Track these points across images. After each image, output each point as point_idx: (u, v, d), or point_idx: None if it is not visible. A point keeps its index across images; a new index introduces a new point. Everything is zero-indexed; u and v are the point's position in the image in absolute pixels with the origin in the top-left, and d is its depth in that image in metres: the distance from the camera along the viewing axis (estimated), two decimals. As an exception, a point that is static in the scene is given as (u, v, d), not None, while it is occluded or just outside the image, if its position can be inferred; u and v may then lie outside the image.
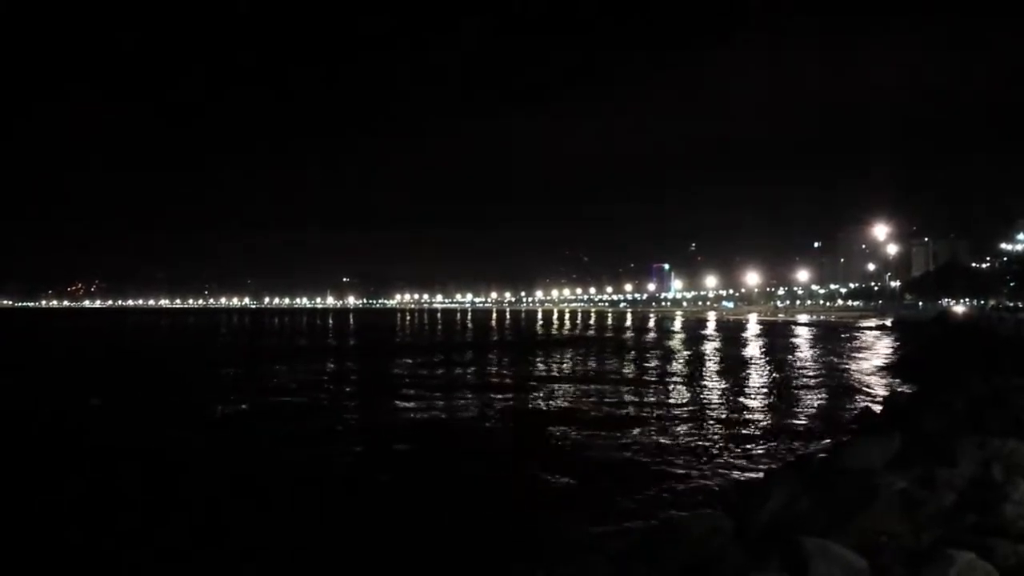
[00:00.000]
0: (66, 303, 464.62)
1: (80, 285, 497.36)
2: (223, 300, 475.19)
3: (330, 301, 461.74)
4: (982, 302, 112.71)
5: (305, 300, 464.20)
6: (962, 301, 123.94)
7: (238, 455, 20.95)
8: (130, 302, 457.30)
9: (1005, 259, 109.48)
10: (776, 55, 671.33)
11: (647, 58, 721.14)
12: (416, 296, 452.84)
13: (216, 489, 17.01)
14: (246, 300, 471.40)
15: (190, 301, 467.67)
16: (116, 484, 17.38)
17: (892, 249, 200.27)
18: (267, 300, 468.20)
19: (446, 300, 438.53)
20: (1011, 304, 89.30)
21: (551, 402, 31.69)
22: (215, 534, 13.88)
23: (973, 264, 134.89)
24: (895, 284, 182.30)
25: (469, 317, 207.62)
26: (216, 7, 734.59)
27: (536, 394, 34.08)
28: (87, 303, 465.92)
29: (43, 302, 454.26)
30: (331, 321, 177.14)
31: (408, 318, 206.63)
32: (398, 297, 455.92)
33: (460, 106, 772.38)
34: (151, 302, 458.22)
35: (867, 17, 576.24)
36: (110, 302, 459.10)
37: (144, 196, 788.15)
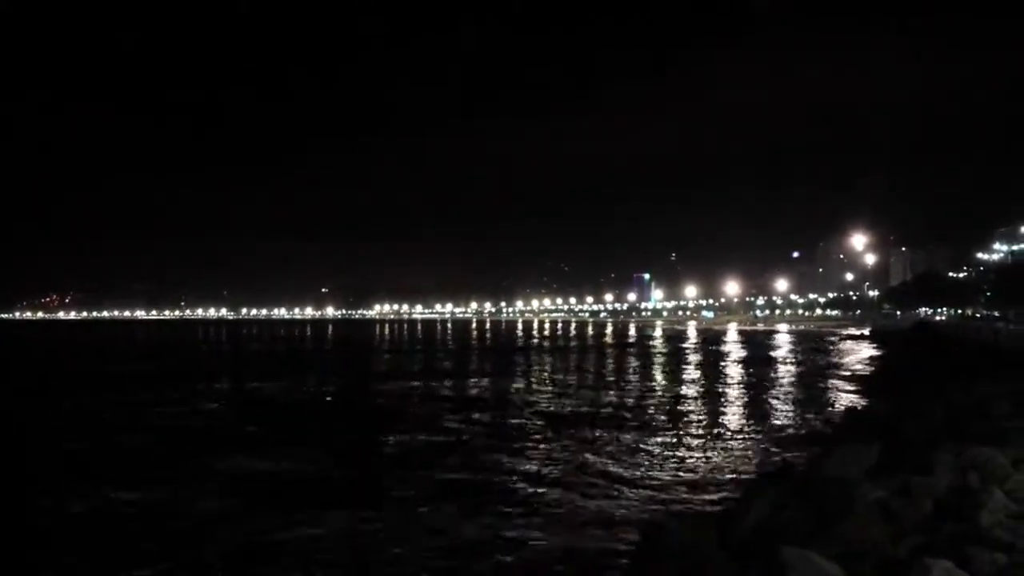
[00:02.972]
0: (41, 315, 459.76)
1: (55, 296, 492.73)
2: (200, 311, 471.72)
3: (309, 312, 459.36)
4: (959, 311, 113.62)
5: (283, 311, 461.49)
6: (939, 310, 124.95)
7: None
8: (105, 314, 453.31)
9: (982, 268, 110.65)
10: (757, 68, 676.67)
11: (624, 70, 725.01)
12: (396, 307, 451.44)
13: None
14: (223, 311, 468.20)
15: (167, 312, 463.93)
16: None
17: (870, 259, 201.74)
18: (244, 311, 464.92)
19: (426, 311, 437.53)
20: (988, 313, 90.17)
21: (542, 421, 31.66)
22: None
23: (950, 273, 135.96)
24: (873, 293, 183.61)
25: (449, 328, 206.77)
26: (207, 17, 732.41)
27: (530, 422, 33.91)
28: (62, 315, 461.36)
29: (17, 313, 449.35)
30: (302, 332, 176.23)
31: (387, 330, 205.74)
32: (377, 308, 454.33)
33: (439, 120, 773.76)
34: (127, 313, 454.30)
35: (850, 30, 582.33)
36: (85, 314, 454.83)
37: (121, 207, 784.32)
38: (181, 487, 18.26)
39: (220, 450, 22.94)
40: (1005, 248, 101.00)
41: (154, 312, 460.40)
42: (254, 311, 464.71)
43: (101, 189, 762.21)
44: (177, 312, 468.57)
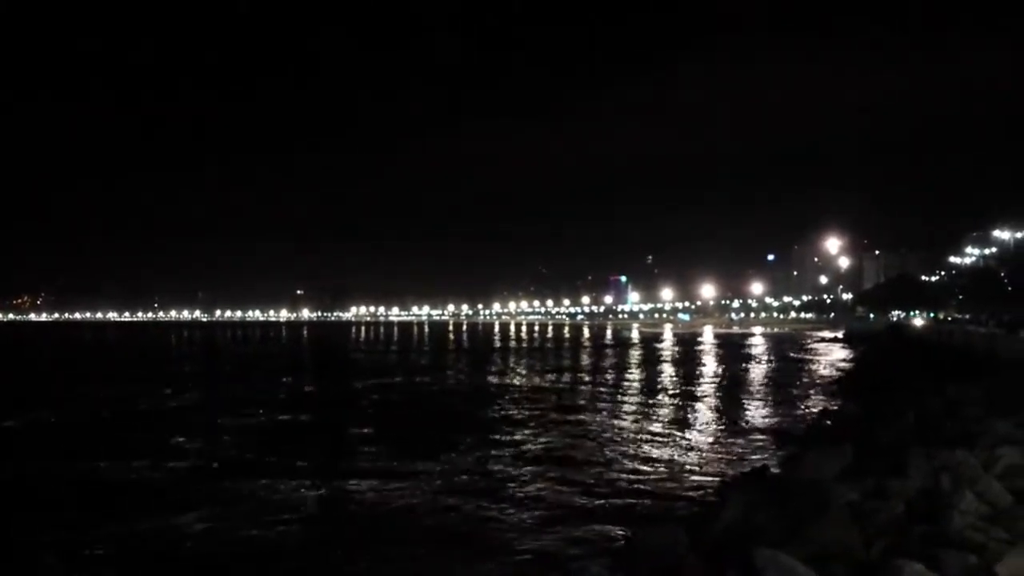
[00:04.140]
0: (11, 316, 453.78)
1: (26, 298, 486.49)
2: (173, 313, 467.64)
3: (284, 314, 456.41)
4: (932, 314, 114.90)
5: (258, 313, 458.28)
6: (912, 313, 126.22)
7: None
8: (77, 315, 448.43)
9: (954, 272, 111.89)
10: (732, 72, 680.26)
11: (598, 74, 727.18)
12: (372, 309, 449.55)
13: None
14: (197, 313, 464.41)
15: (139, 314, 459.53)
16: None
17: (844, 262, 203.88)
18: (219, 313, 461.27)
19: (403, 313, 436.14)
20: (960, 316, 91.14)
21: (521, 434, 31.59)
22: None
23: (923, 277, 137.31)
24: (847, 297, 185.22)
25: (427, 331, 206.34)
26: (178, 15, 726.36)
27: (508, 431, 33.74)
28: (33, 316, 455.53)
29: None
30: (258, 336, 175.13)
31: (364, 332, 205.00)
32: (354, 310, 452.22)
33: (417, 120, 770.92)
34: (99, 315, 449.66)
35: (823, 34, 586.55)
36: (57, 315, 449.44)
37: (93, 207, 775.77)
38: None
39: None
40: (977, 252, 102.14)
41: (127, 314, 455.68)
42: (228, 313, 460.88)
43: (74, 190, 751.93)
44: (150, 314, 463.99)
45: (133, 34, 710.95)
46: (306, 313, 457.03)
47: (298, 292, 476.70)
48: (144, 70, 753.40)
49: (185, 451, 23.71)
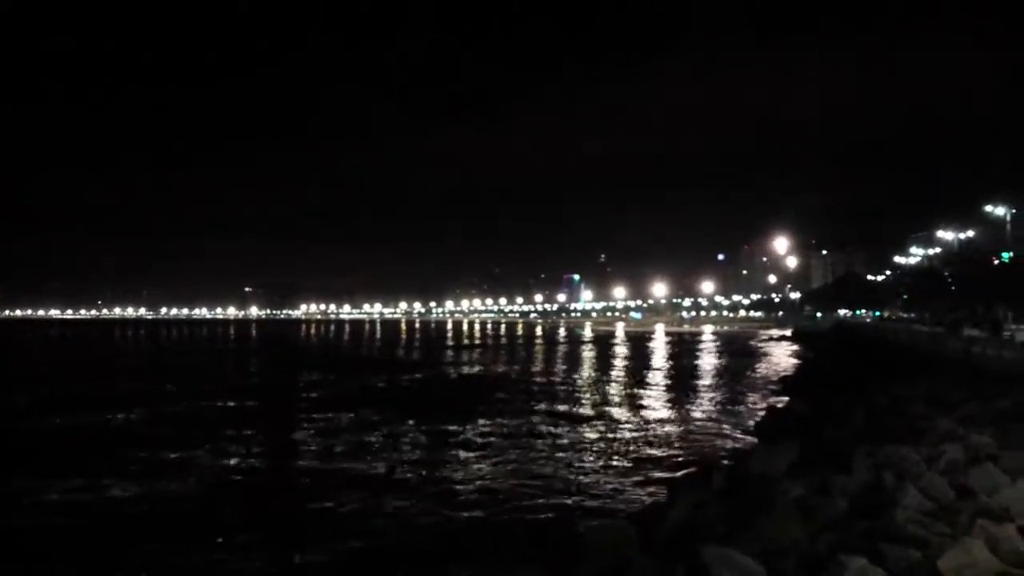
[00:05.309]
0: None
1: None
2: (118, 311, 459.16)
3: (232, 312, 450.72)
4: (877, 313, 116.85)
5: (205, 311, 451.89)
6: (858, 312, 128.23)
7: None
8: (19, 312, 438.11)
9: (899, 272, 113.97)
10: (682, 76, 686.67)
11: (551, 75, 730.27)
12: (323, 307, 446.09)
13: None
14: (142, 311, 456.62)
15: (83, 312, 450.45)
16: None
17: (792, 262, 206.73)
18: (164, 311, 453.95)
19: (354, 311, 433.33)
20: (905, 315, 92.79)
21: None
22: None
23: (869, 276, 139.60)
24: (795, 295, 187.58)
25: (378, 329, 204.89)
26: (122, 8, 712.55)
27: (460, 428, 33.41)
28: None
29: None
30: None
31: (313, 330, 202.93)
32: (304, 308, 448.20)
33: (371, 118, 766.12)
34: (41, 313, 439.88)
35: (774, 40, 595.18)
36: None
37: (39, 205, 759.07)
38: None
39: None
40: (921, 252, 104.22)
41: (70, 311, 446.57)
42: (175, 311, 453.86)
43: (18, 187, 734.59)
44: (94, 312, 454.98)
45: (85, 30, 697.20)
46: (254, 311, 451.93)
47: (247, 289, 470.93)
48: (92, 63, 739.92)
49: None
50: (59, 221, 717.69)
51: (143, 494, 17.47)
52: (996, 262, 60.02)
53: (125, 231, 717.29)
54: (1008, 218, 68.85)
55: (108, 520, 15.37)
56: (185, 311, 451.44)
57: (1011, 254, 61.79)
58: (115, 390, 40.51)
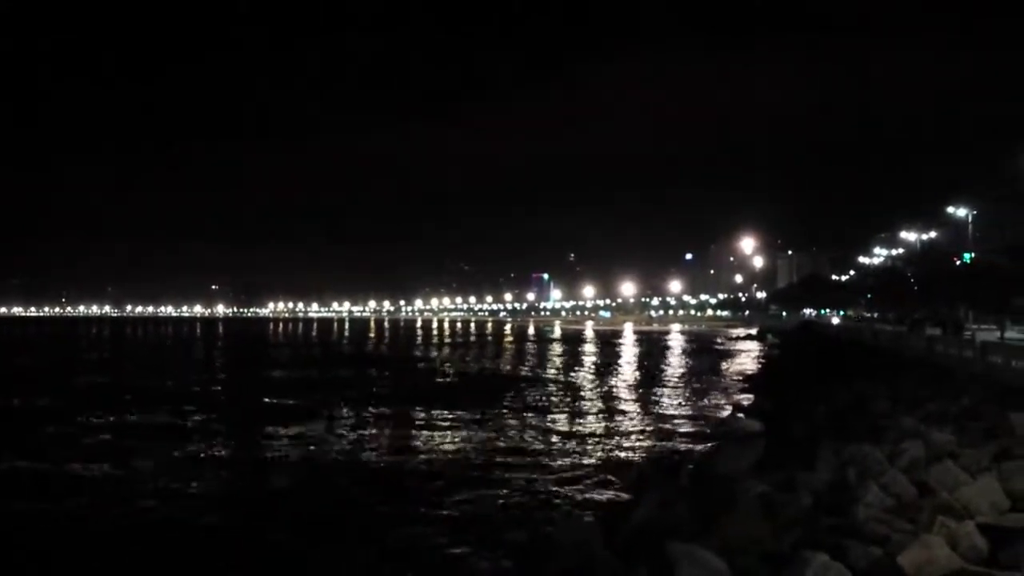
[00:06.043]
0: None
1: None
2: (82, 308, 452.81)
3: (198, 310, 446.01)
4: (842, 312, 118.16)
5: (171, 309, 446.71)
6: (823, 311, 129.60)
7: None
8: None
9: (863, 272, 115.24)
10: (651, 74, 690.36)
11: (520, 72, 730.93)
12: (291, 305, 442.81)
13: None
14: (107, 308, 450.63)
15: (46, 309, 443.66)
16: None
17: (758, 262, 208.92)
18: (129, 308, 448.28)
19: (322, 309, 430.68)
20: (868, 315, 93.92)
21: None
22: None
23: (834, 276, 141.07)
24: (761, 295, 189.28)
25: (347, 328, 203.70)
26: (94, 12, 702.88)
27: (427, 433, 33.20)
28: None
29: None
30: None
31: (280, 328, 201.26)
32: (271, 306, 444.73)
33: (337, 116, 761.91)
34: (3, 310, 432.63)
35: (740, 40, 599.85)
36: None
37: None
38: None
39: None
40: (885, 253, 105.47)
41: (32, 309, 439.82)
42: (139, 308, 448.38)
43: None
44: (57, 309, 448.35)
45: (38, 25, 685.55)
46: (221, 309, 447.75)
47: (213, 287, 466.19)
48: (52, 61, 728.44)
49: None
50: (20, 218, 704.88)
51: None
52: (958, 263, 60.89)
53: (87, 228, 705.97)
54: (970, 219, 69.96)
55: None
56: (151, 308, 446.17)
57: (972, 255, 62.72)
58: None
